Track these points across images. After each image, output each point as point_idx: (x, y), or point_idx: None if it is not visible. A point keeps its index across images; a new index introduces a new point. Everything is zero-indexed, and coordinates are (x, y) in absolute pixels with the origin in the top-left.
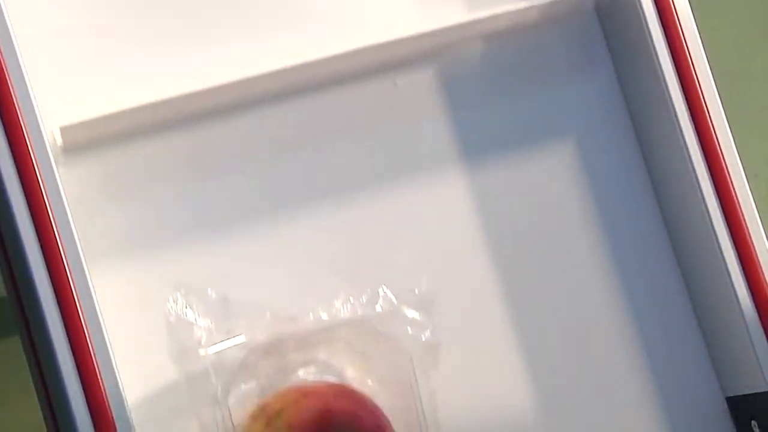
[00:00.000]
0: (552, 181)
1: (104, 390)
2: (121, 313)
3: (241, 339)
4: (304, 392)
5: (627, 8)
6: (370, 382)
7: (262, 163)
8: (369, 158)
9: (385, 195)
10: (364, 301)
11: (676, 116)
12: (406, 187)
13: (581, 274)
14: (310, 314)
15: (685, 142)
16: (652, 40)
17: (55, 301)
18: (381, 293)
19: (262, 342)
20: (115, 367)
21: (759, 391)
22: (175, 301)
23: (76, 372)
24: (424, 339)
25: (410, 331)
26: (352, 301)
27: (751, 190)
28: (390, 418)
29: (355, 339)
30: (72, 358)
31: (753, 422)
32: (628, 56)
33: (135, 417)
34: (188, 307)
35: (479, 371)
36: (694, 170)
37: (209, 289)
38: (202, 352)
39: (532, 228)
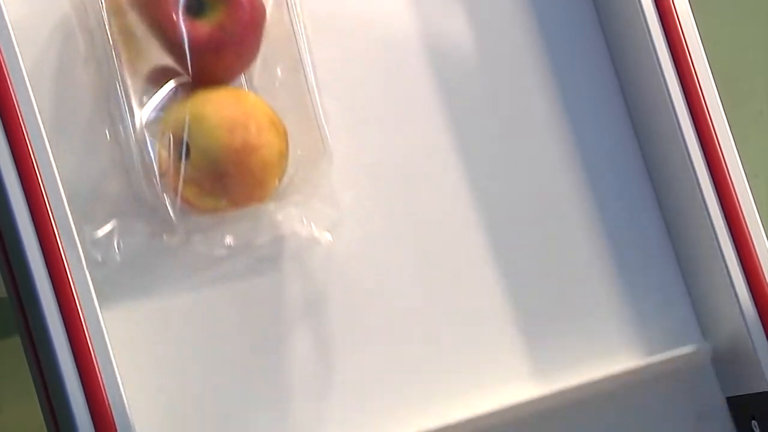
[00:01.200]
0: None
1: (104, 388)
2: None
3: None
4: None
5: (628, 9)
6: None
7: None
8: None
9: None
10: None
11: (676, 116)
12: None
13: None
14: None
15: (685, 142)
16: (652, 40)
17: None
18: None
19: None
20: (115, 366)
21: (759, 391)
22: None
23: (76, 371)
24: None
25: None
26: None
27: (751, 190)
28: None
29: None
30: (72, 357)
31: (753, 422)
32: (628, 56)
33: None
34: None
35: None
36: (694, 171)
37: None
38: None
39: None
